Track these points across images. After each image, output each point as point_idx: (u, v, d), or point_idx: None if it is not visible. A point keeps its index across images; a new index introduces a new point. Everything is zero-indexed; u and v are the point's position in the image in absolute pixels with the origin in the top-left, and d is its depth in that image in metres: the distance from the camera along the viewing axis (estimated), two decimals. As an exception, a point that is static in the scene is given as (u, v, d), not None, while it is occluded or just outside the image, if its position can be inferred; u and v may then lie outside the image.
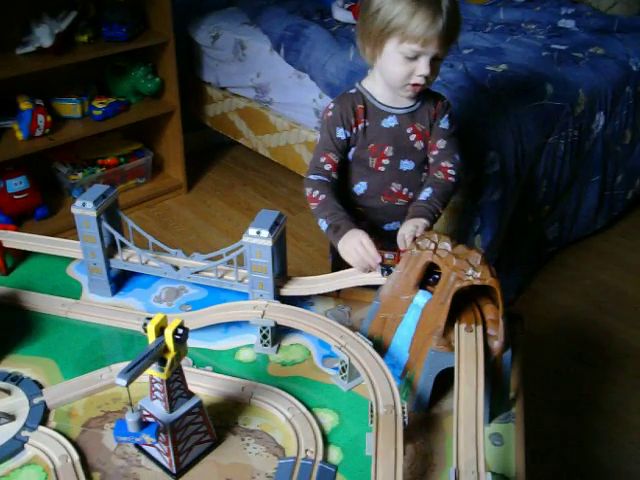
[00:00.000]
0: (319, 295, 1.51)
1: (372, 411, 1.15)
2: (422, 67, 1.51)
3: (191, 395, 1.15)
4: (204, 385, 1.30)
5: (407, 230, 1.42)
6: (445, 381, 1.23)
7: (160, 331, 1.06)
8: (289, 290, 1.45)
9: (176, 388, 1.11)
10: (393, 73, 1.54)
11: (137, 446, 1.20)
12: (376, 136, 1.63)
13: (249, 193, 3.32)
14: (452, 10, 1.48)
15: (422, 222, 1.48)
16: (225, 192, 3.33)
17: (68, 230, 2.65)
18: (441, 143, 1.65)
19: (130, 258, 1.55)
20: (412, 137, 1.65)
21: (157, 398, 1.12)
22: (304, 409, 1.25)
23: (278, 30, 2.86)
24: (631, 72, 2.81)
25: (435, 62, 1.53)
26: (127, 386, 1.00)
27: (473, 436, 1.10)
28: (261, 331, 1.39)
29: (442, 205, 1.58)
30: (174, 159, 3.29)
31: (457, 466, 1.05)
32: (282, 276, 1.48)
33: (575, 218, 2.83)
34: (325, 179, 1.60)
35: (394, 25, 1.48)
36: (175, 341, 1.06)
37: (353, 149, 1.66)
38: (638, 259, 2.89)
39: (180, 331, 1.06)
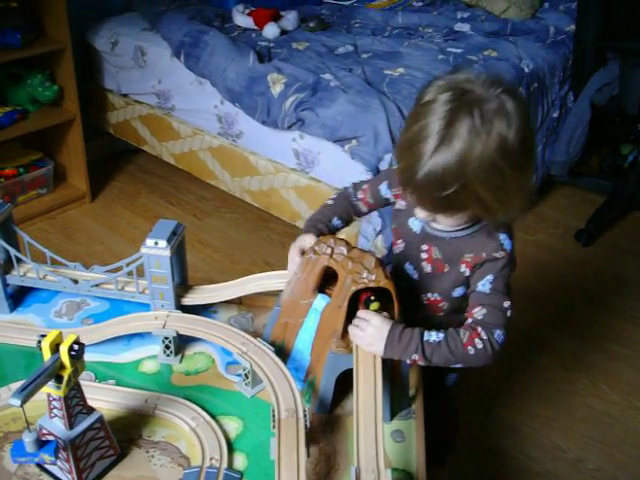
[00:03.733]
0: (222, 302, 1.52)
1: (274, 416, 1.17)
2: (417, 211, 1.24)
3: (91, 410, 1.14)
4: (106, 399, 1.29)
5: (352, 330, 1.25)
6: (348, 382, 1.25)
7: (55, 348, 1.05)
8: (190, 299, 1.45)
9: (75, 404, 1.10)
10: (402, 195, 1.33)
11: (39, 466, 1.18)
12: (400, 224, 1.40)
13: (155, 200, 3.28)
14: (455, 170, 1.08)
15: (377, 337, 1.22)
16: (131, 200, 3.28)
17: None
18: (479, 312, 1.26)
19: (27, 273, 1.52)
20: (423, 255, 1.36)
21: (56, 416, 1.11)
22: (208, 417, 1.26)
23: (178, 36, 2.84)
24: (523, 73, 2.93)
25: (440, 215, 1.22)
26: (22, 406, 0.99)
27: (373, 435, 1.13)
28: (163, 342, 1.39)
29: (429, 359, 1.22)
30: (76, 168, 3.21)
31: (358, 465, 1.08)
32: (183, 285, 1.48)
33: (476, 216, 2.92)
34: (352, 197, 1.47)
35: (400, 147, 1.18)
36: (71, 357, 1.05)
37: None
38: (535, 254, 3.01)
39: (76, 347, 1.05)
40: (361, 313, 1.25)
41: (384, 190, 1.43)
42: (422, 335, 1.22)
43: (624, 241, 3.13)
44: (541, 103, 3.08)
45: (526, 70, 2.94)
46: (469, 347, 1.22)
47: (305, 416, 1.16)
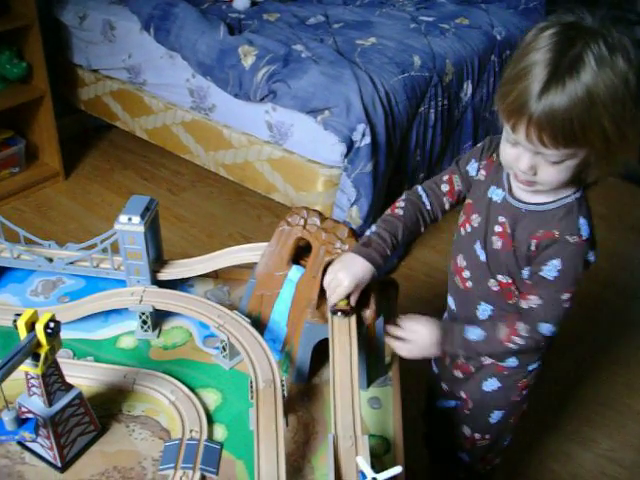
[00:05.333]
0: (198, 276, 1.52)
1: (252, 387, 1.18)
2: (520, 160, 1.10)
3: (70, 387, 1.15)
4: (85, 376, 1.30)
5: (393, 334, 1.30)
6: (324, 351, 1.27)
7: (31, 326, 1.05)
8: (166, 274, 1.46)
9: (53, 382, 1.11)
10: (501, 152, 1.16)
11: (20, 444, 1.19)
12: (478, 197, 1.28)
13: (130, 177, 3.26)
14: (582, 98, 1.00)
15: (426, 339, 1.27)
16: (105, 177, 3.26)
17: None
18: (533, 300, 1.19)
19: (1, 253, 1.51)
20: (497, 228, 1.23)
21: (35, 394, 1.11)
22: (187, 390, 1.27)
23: (147, 9, 2.80)
24: (496, 41, 2.93)
25: (545, 162, 1.08)
26: (-1, 385, 0.99)
27: (349, 402, 1.15)
28: (140, 317, 1.39)
29: (472, 356, 1.30)
30: (49, 146, 3.18)
31: (335, 432, 1.10)
32: (158, 260, 1.48)
33: (450, 184, 2.94)
34: (425, 203, 1.34)
35: (503, 85, 1.09)
36: (47, 335, 1.05)
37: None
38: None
39: (52, 325, 1.05)
40: (402, 323, 1.30)
41: (473, 169, 1.31)
42: (464, 332, 1.25)
43: (601, 207, 3.15)
44: (513, 70, 3.09)
45: (498, 38, 2.94)
46: (509, 344, 1.22)
47: (283, 386, 1.17)
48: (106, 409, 1.25)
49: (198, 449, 1.16)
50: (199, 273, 1.47)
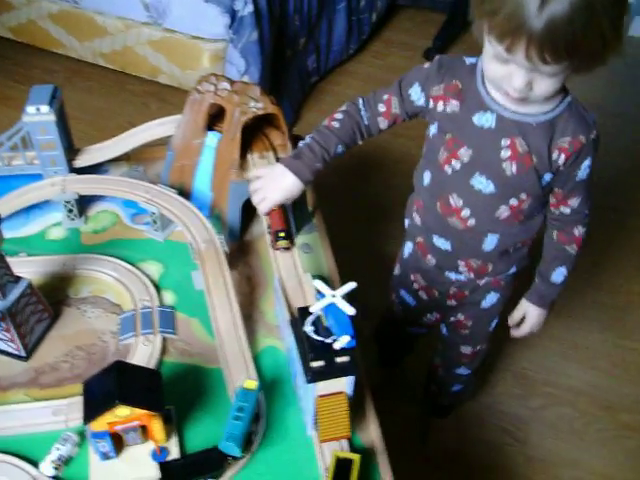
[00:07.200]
0: (111, 162, 1.53)
1: (194, 249, 1.25)
2: (514, 79, 1.03)
3: (19, 279, 1.18)
4: (25, 270, 1.30)
5: (519, 319, 1.42)
6: (251, 208, 1.32)
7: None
8: (82, 161, 1.46)
9: (3, 274, 1.13)
10: (486, 70, 1.10)
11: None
12: (460, 128, 1.19)
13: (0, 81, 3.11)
14: (581, 3, 0.91)
15: (542, 316, 1.41)
16: (-29, 85, 3.09)
17: None
18: (574, 201, 1.22)
19: None
20: (504, 153, 1.15)
21: (-15, 288, 1.14)
22: (128, 266, 1.32)
23: None
24: None
25: (541, 77, 1.02)
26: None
27: (286, 249, 1.24)
28: (65, 206, 1.41)
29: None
30: None
31: (279, 274, 1.19)
32: (70, 149, 1.48)
33: (329, 46, 2.96)
34: (364, 115, 1.26)
35: (484, 6, 1.00)
36: (-11, 228, 1.07)
37: (434, 128, 1.24)
38: (389, 77, 3.11)
39: (-7, 217, 1.07)
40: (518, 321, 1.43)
41: (416, 94, 1.22)
42: (552, 281, 1.34)
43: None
44: None
45: None
46: (580, 250, 1.30)
47: (222, 243, 1.25)
48: (53, 297, 1.28)
49: (153, 315, 1.23)
50: (116, 155, 1.48)
